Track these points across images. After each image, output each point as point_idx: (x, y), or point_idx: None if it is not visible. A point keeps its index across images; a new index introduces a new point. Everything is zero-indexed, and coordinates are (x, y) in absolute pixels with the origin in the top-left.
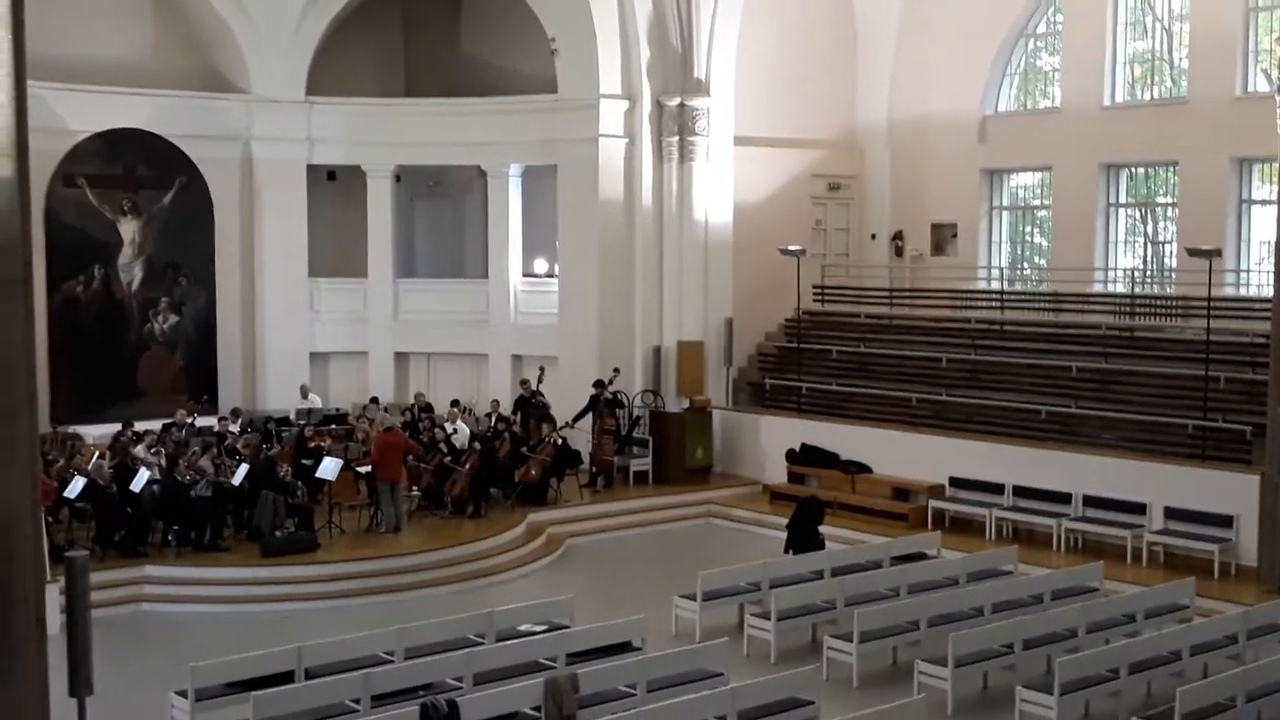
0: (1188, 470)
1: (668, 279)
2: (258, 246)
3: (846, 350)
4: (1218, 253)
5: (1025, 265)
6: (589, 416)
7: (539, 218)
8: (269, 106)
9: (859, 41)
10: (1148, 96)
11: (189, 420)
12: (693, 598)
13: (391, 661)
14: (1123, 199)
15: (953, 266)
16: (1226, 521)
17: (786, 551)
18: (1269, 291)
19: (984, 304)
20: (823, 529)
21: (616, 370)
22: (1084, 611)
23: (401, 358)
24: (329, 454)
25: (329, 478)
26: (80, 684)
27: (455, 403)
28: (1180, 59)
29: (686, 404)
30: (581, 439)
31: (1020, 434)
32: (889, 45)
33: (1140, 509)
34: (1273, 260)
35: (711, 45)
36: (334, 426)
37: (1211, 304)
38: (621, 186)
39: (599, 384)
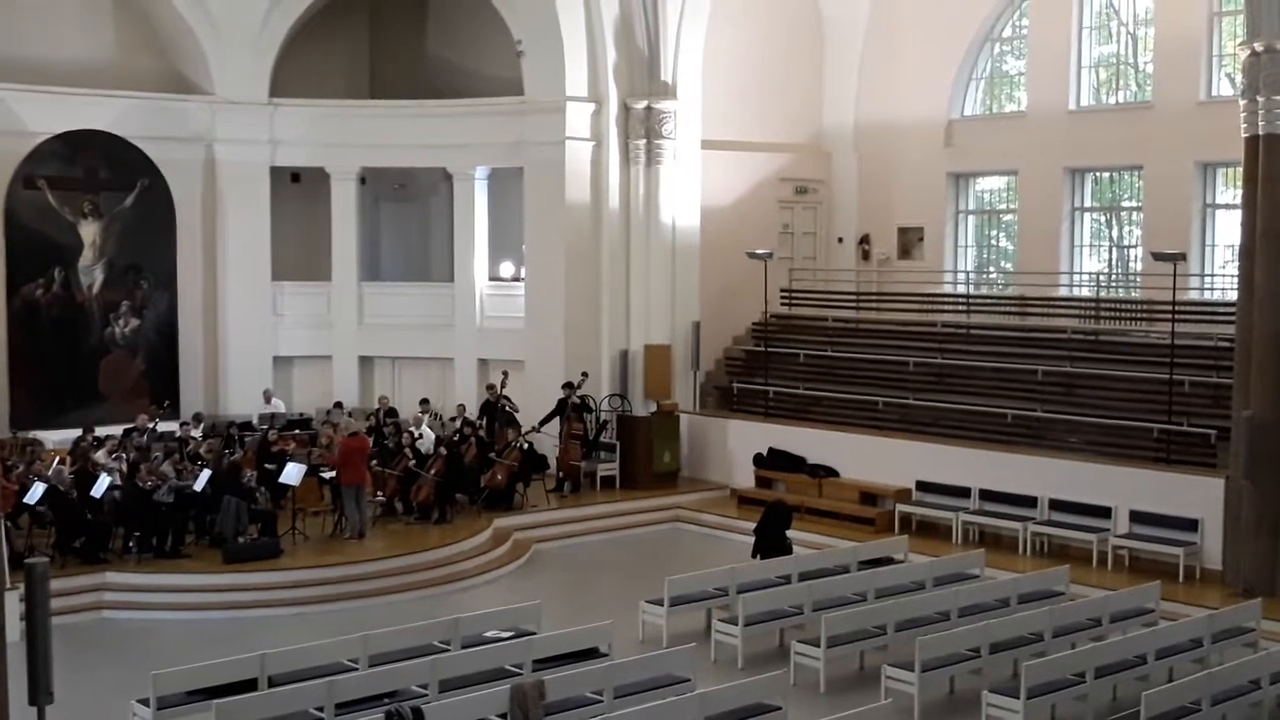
0: (1153, 474)
1: (634, 283)
2: (220, 249)
3: (814, 354)
4: (1182, 257)
5: (991, 269)
6: (555, 420)
7: (505, 221)
8: (232, 108)
9: (826, 45)
10: (1113, 101)
11: (150, 425)
12: (660, 603)
13: (356, 669)
14: (1088, 203)
15: (919, 270)
16: (1191, 525)
17: (754, 556)
18: (1233, 295)
19: (950, 308)
20: (790, 533)
21: (585, 374)
22: (1050, 615)
23: (366, 362)
24: (292, 459)
25: (292, 483)
26: (40, 692)
27: (424, 402)
28: (1145, 63)
29: (653, 408)
30: (548, 443)
31: (986, 438)
32: (856, 49)
33: (1106, 513)
34: (1236, 264)
35: (678, 48)
36: (298, 431)
37: (1176, 308)
38: (588, 189)
39: (567, 386)
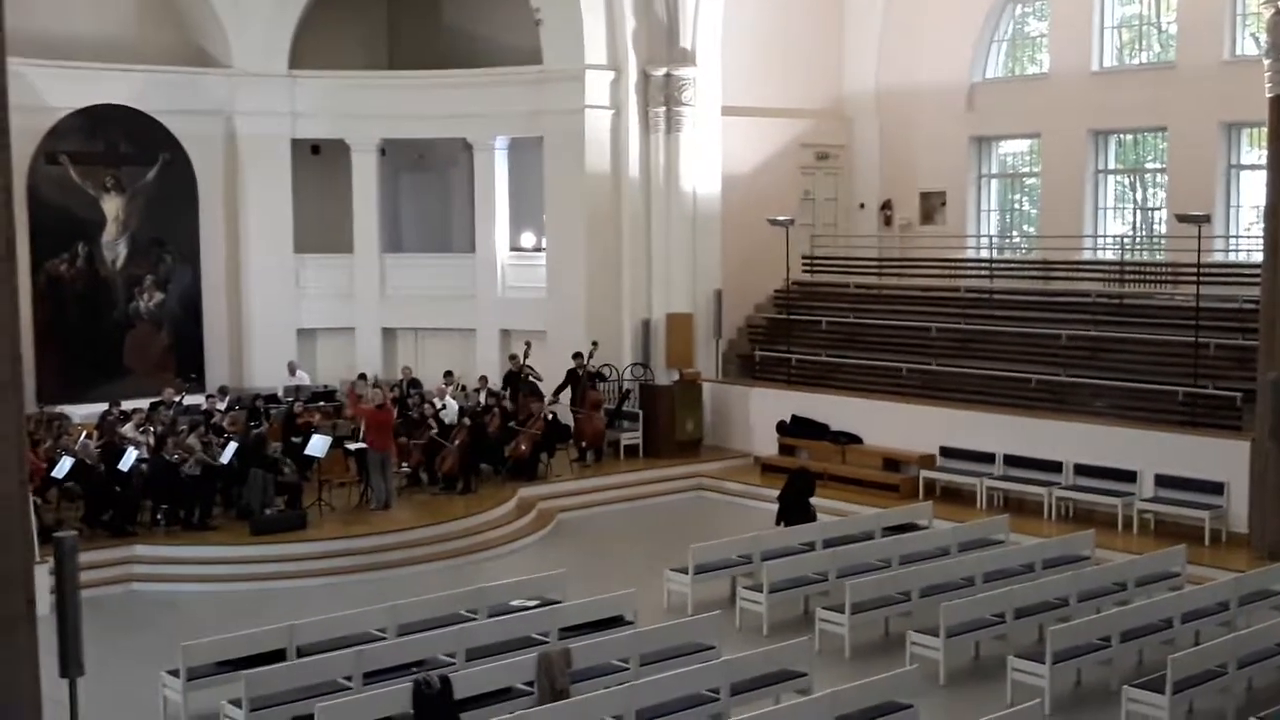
0: (1178, 437)
1: (655, 251)
2: (242, 222)
3: (836, 321)
4: (1207, 218)
5: (1014, 233)
6: (567, 391)
7: (525, 191)
8: (252, 81)
9: (846, 9)
10: (1136, 62)
11: (177, 399)
12: (684, 571)
13: (383, 639)
14: (1112, 165)
15: (942, 235)
16: (1217, 488)
17: (778, 524)
18: (1258, 257)
19: (973, 273)
20: (814, 501)
21: (595, 344)
22: (1075, 580)
23: (389, 333)
24: (318, 431)
25: (318, 455)
26: (71, 665)
27: (448, 374)
28: (1168, 23)
29: (676, 377)
30: (566, 414)
31: (1010, 403)
32: (876, 12)
33: (1131, 476)
34: (1262, 225)
35: (697, 14)
36: (323, 403)
37: (1201, 270)
38: (608, 158)
39: (577, 356)
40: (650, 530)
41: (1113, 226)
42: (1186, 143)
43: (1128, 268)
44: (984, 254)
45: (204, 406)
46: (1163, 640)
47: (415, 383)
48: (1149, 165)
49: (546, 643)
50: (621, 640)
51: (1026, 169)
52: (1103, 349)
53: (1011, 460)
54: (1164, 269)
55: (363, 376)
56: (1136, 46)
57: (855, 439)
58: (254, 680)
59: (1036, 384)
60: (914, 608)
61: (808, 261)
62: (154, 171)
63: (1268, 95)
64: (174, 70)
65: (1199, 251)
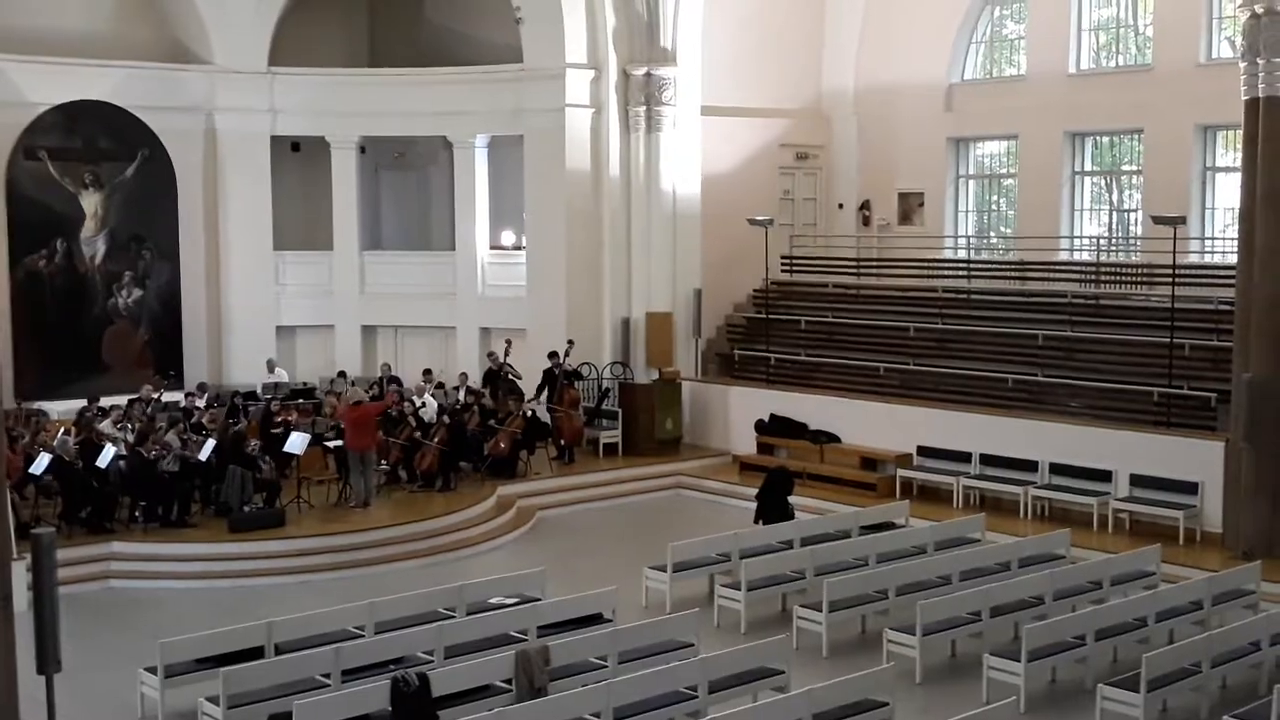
0: (1153, 437)
1: (636, 250)
2: (222, 219)
3: (815, 320)
4: (1182, 220)
5: (991, 234)
6: (546, 390)
7: (506, 189)
8: (231, 77)
9: (825, 10)
10: (1113, 64)
11: (155, 395)
12: (663, 569)
13: (362, 636)
14: (1088, 167)
15: (920, 236)
16: (1191, 488)
17: (756, 522)
18: (1233, 259)
19: (951, 273)
20: (792, 499)
21: (570, 342)
22: (1051, 579)
23: (369, 331)
24: (296, 428)
25: (297, 452)
26: (48, 661)
27: (427, 373)
28: (1145, 26)
29: (655, 375)
30: (543, 412)
31: (987, 402)
32: (855, 13)
33: (1106, 476)
34: (1237, 227)
35: (678, 14)
36: (301, 401)
37: (1176, 271)
38: (588, 157)
39: (553, 355)
40: (629, 528)
41: (1089, 228)
42: (1162, 145)
43: (1103, 269)
44: (961, 254)
45: (183, 403)
46: (1137, 639)
47: (394, 380)
48: (1125, 167)
49: (525, 640)
50: (600, 638)
51: (1004, 170)
52: (1078, 349)
53: (988, 459)
54: (1139, 270)
55: (342, 374)
56: (1113, 49)
57: (833, 438)
58: (232, 677)
59: (1013, 384)
60: (891, 606)
61: (787, 261)
62: (133, 168)
63: (1243, 98)
64: (154, 66)
65: (1174, 253)
